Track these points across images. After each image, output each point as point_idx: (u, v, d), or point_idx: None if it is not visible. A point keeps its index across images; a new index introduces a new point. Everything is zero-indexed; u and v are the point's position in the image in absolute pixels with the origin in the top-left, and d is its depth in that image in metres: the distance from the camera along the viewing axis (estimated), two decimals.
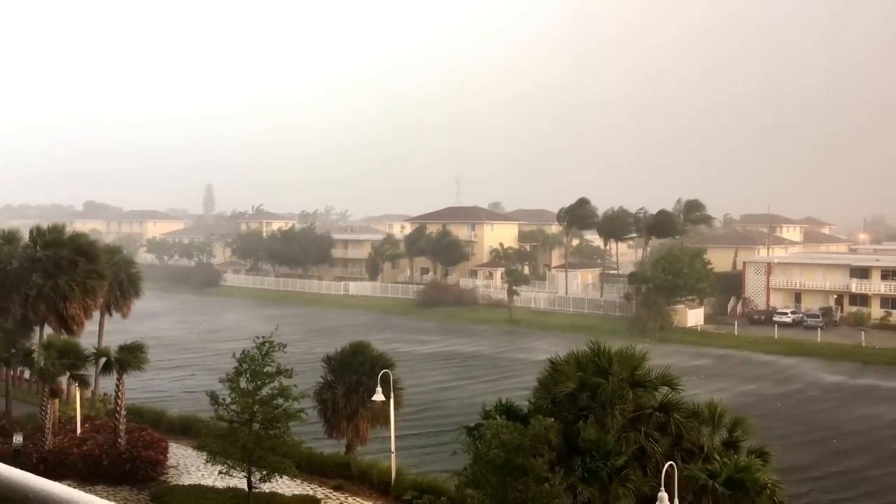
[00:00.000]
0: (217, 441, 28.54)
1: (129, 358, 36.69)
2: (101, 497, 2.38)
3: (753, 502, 21.65)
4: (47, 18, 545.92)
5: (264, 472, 28.20)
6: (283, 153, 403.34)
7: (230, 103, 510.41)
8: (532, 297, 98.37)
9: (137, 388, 48.16)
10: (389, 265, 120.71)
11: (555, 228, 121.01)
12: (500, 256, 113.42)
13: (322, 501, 31.66)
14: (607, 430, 23.06)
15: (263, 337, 28.98)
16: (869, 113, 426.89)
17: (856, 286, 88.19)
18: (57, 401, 39.54)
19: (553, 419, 23.34)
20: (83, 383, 39.56)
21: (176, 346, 72.77)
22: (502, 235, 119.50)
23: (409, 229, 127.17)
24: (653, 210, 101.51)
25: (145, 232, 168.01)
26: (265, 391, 28.35)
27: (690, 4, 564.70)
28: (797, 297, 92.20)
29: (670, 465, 21.25)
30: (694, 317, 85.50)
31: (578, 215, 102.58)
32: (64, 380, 40.80)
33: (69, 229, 48.75)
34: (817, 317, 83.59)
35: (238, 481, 29.77)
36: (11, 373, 47.82)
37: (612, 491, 22.33)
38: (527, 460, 21.21)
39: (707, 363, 68.11)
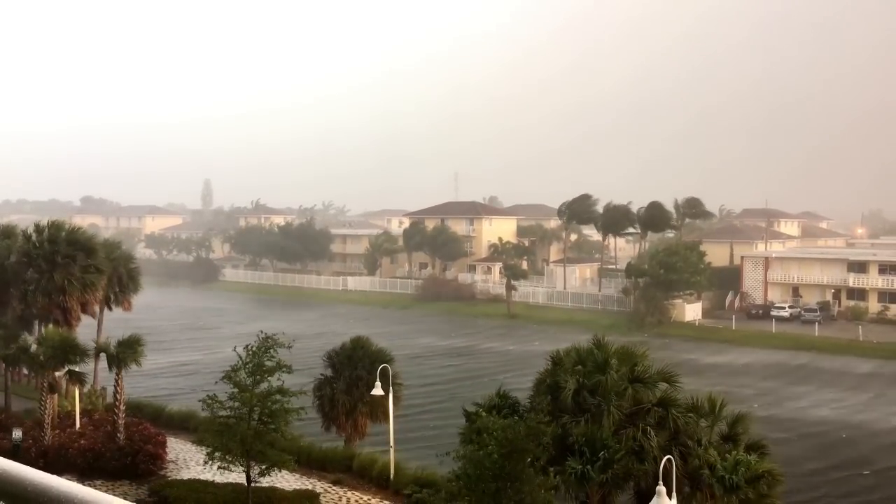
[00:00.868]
0: (216, 437, 28.58)
1: (127, 352, 36.65)
2: (100, 491, 2.37)
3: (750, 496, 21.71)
4: (48, 19, 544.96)
5: (263, 467, 28.27)
6: (282, 151, 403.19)
7: (229, 105, 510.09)
8: (530, 291, 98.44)
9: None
10: (388, 260, 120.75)
11: (553, 223, 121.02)
12: (499, 251, 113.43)
13: (321, 495, 31.71)
14: (605, 427, 23.10)
15: (265, 332, 29.23)
16: (866, 108, 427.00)
17: (853, 280, 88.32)
18: (56, 396, 39.55)
19: (549, 416, 23.39)
20: (80, 378, 39.55)
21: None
22: (501, 230, 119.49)
23: (407, 224, 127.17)
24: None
25: (144, 227, 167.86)
26: (264, 386, 28.43)
27: (688, 4, 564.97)
28: (795, 291, 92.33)
29: (668, 460, 21.28)
30: (692, 311, 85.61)
31: (579, 210, 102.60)
32: (62, 374, 40.80)
33: (68, 224, 48.67)
34: (815, 311, 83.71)
35: (237, 476, 29.84)
36: (10, 368, 47.77)
37: (610, 486, 22.38)
38: (520, 464, 21.15)
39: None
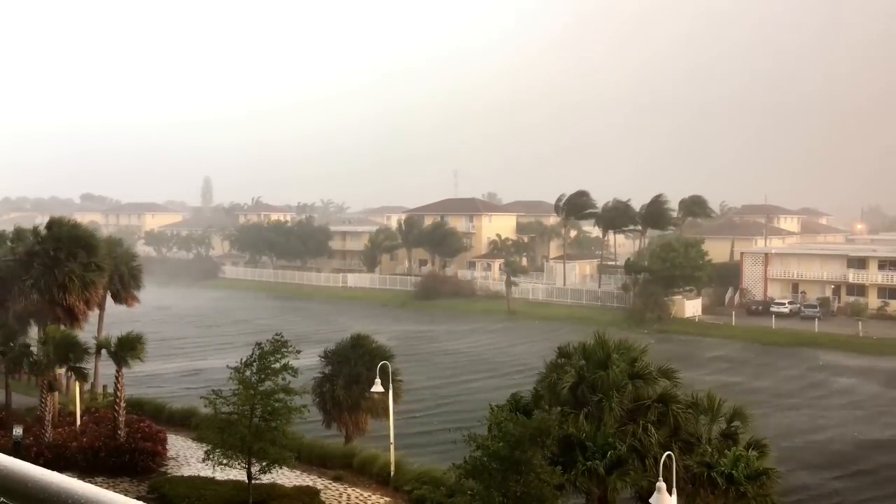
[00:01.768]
0: (216, 434, 28.65)
1: (127, 350, 36.65)
2: (101, 488, 2.38)
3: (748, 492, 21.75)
4: (48, 17, 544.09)
5: (264, 464, 28.35)
6: (283, 150, 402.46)
7: (230, 103, 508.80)
8: (530, 288, 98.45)
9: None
10: (388, 257, 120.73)
11: (553, 220, 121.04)
12: (499, 248, 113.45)
13: (322, 492, 31.75)
14: (605, 423, 23.13)
15: (280, 334, 29.56)
16: (865, 103, 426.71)
17: (853, 276, 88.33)
18: (56, 393, 39.59)
19: (558, 409, 23.47)
20: (80, 375, 39.57)
21: None
22: (500, 227, 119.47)
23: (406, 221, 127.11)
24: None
25: (143, 224, 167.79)
26: (267, 384, 28.56)
27: (688, 4, 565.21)
28: (794, 287, 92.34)
29: (668, 456, 21.31)
30: (692, 307, 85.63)
31: (576, 205, 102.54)
32: (63, 372, 40.83)
33: (69, 221, 48.61)
34: (815, 307, 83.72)
35: (238, 472, 29.90)
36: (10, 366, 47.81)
37: (611, 483, 22.42)
38: (527, 454, 21.26)
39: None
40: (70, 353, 37.22)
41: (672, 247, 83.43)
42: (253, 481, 29.03)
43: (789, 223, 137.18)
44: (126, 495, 2.02)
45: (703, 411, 24.68)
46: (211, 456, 28.43)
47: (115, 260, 49.26)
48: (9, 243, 47.64)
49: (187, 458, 36.55)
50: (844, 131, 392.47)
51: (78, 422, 39.23)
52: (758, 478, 22.26)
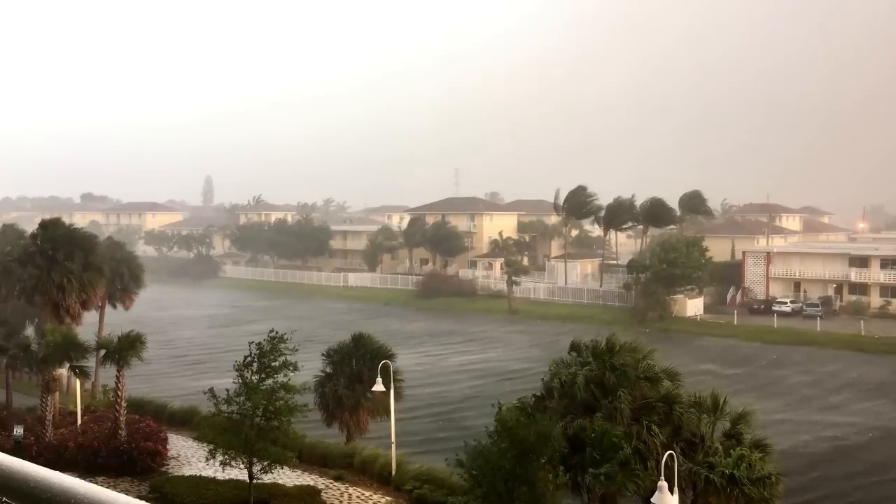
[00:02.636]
0: (219, 434, 28.62)
1: (128, 349, 36.61)
2: (102, 487, 2.37)
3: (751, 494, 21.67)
4: (49, 17, 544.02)
5: (265, 463, 28.33)
6: (284, 149, 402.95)
7: (231, 103, 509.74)
8: (531, 287, 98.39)
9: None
10: (389, 256, 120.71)
11: (554, 219, 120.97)
12: (500, 247, 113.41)
13: (323, 492, 31.72)
14: (615, 423, 23.07)
15: (277, 331, 29.50)
16: (868, 103, 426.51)
17: (855, 275, 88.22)
18: (57, 393, 39.57)
19: (560, 413, 23.40)
20: (83, 374, 39.56)
21: None
22: (501, 226, 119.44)
23: (407, 220, 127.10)
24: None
25: (144, 224, 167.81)
26: (268, 383, 28.54)
27: (686, 4, 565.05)
28: (796, 286, 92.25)
29: (670, 456, 21.26)
30: (693, 306, 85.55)
31: (576, 203, 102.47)
32: (64, 371, 40.81)
33: (68, 221, 48.64)
34: (817, 306, 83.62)
35: (239, 472, 29.86)
36: (11, 365, 47.79)
37: (617, 484, 22.37)
38: (532, 465, 21.16)
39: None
40: (71, 351, 37.21)
41: (673, 245, 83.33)
42: (254, 481, 29.01)
43: (791, 222, 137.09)
44: (127, 495, 1.97)
45: (706, 411, 24.62)
46: (214, 455, 28.42)
47: (116, 262, 49.33)
48: (19, 237, 47.56)
49: (188, 457, 36.51)
50: (847, 130, 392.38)
51: (79, 421, 39.23)
52: (761, 479, 22.18)
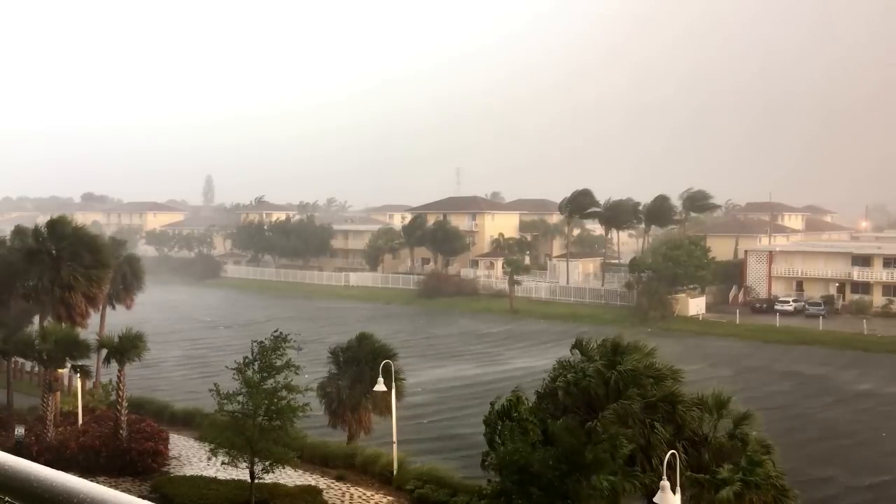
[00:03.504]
0: (221, 434, 28.62)
1: (129, 348, 36.59)
2: (103, 486, 2.37)
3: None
4: (50, 18, 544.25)
5: (267, 463, 28.31)
6: (285, 150, 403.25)
7: (234, 106, 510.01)
8: (533, 286, 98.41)
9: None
10: (390, 256, 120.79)
11: (555, 218, 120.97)
12: (501, 246, 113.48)
13: (324, 491, 31.69)
14: (624, 425, 23.00)
15: (279, 331, 29.54)
16: (871, 101, 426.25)
17: (857, 274, 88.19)
18: (58, 393, 39.57)
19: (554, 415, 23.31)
20: (85, 374, 39.59)
21: None
22: (503, 225, 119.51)
23: (409, 220, 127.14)
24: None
25: (145, 224, 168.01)
26: (270, 383, 28.54)
27: (685, 5, 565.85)
28: (799, 285, 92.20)
29: (672, 455, 21.18)
30: (695, 305, 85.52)
31: (580, 204, 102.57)
32: (65, 371, 40.81)
33: (72, 221, 48.62)
34: (819, 305, 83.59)
35: (240, 472, 29.83)
36: (12, 365, 47.83)
37: (620, 484, 22.31)
38: (578, 483, 20.93)
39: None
40: (72, 350, 37.22)
41: (675, 244, 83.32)
42: (255, 481, 28.98)
43: (794, 221, 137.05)
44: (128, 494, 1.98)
45: (709, 410, 24.56)
46: (216, 453, 28.42)
47: (118, 261, 49.40)
48: (7, 242, 47.66)
49: (189, 457, 36.49)
50: (849, 129, 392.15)
51: (80, 421, 39.22)
52: (765, 478, 22.12)
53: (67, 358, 37.60)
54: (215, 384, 29.62)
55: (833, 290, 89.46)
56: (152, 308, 79.21)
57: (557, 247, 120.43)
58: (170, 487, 31.34)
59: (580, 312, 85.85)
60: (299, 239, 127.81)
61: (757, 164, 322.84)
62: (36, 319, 46.49)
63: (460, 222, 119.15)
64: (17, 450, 34.04)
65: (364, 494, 31.96)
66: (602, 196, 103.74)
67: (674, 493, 20.37)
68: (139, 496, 29.07)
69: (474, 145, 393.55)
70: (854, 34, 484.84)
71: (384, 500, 31.40)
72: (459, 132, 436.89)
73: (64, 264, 42.72)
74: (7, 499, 2.01)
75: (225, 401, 28.53)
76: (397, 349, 38.01)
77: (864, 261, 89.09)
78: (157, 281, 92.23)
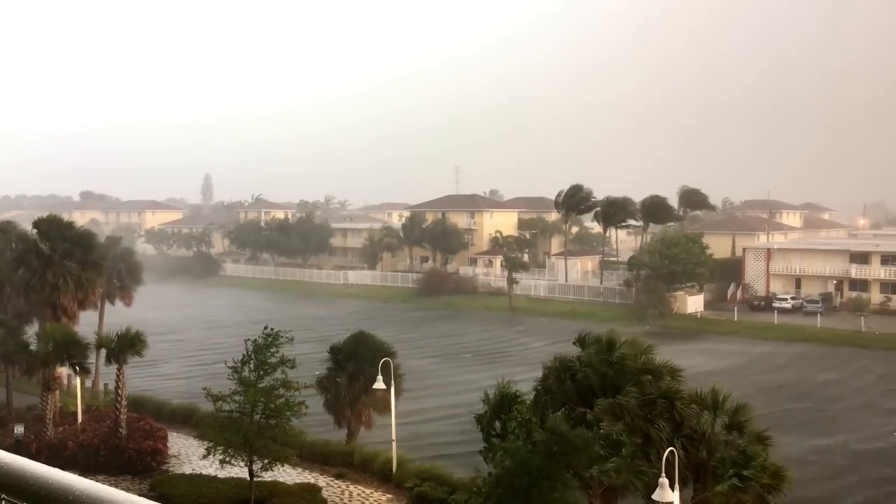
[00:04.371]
0: (218, 432, 28.62)
1: (128, 346, 36.58)
2: (101, 484, 2.39)
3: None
4: (49, 17, 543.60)
5: (266, 461, 28.31)
6: (284, 148, 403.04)
7: (234, 105, 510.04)
8: (532, 284, 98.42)
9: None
10: (389, 254, 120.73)
11: (554, 216, 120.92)
12: (500, 244, 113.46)
13: (323, 489, 31.71)
14: (617, 420, 23.04)
15: (272, 328, 29.46)
16: (869, 99, 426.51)
17: (855, 272, 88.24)
18: (57, 392, 39.56)
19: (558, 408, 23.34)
20: (84, 372, 39.55)
21: None
22: (501, 223, 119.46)
23: (407, 218, 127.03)
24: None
25: (144, 222, 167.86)
26: (267, 381, 28.51)
27: (690, 7, 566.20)
28: (797, 282, 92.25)
29: (671, 452, 21.23)
30: (694, 303, 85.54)
31: (574, 201, 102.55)
32: (64, 370, 40.81)
33: (67, 219, 48.52)
34: (817, 302, 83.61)
35: (239, 470, 29.84)
36: (10, 365, 47.78)
37: (623, 479, 22.37)
38: (562, 466, 21.06)
39: None
40: (70, 350, 37.18)
41: (673, 242, 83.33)
42: (255, 479, 28.99)
43: (792, 218, 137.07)
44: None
45: (707, 407, 24.60)
46: (213, 452, 28.41)
47: (114, 259, 49.31)
48: (15, 235, 47.44)
49: (188, 455, 36.50)
50: (848, 127, 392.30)
51: (79, 420, 39.23)
52: (760, 469, 22.19)
53: (65, 358, 37.55)
54: (204, 388, 29.63)
55: (831, 288, 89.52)
56: (150, 306, 79.10)
57: (556, 245, 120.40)
58: (169, 486, 31.34)
59: (579, 310, 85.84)
60: (298, 237, 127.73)
61: (758, 162, 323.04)
62: (34, 318, 46.50)
63: (459, 220, 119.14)
64: (17, 448, 34.06)
65: (363, 492, 31.99)
66: (605, 195, 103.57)
67: (672, 489, 20.44)
68: (138, 495, 29.24)
69: (477, 145, 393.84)
70: (860, 35, 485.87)
71: (383, 498, 31.44)
72: (462, 132, 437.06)
73: (54, 264, 42.43)
74: (5, 497, 2.02)
75: (220, 401, 28.51)
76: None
77: (861, 258, 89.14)
78: (155, 280, 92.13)
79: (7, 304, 46.10)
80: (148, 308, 71.82)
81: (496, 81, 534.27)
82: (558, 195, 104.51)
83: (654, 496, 20.13)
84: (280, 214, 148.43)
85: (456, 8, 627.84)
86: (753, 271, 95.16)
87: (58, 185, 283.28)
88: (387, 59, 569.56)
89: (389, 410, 34.30)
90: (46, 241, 43.30)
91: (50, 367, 37.38)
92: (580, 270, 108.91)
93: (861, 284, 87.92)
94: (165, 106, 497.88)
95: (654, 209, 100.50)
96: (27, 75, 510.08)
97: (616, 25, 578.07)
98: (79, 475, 2.05)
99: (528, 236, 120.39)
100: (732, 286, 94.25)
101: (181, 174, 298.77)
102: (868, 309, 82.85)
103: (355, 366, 35.57)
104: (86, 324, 46.29)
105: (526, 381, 30.32)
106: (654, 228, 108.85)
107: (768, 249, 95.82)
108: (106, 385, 46.56)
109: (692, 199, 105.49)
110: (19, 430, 36.39)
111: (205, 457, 30.35)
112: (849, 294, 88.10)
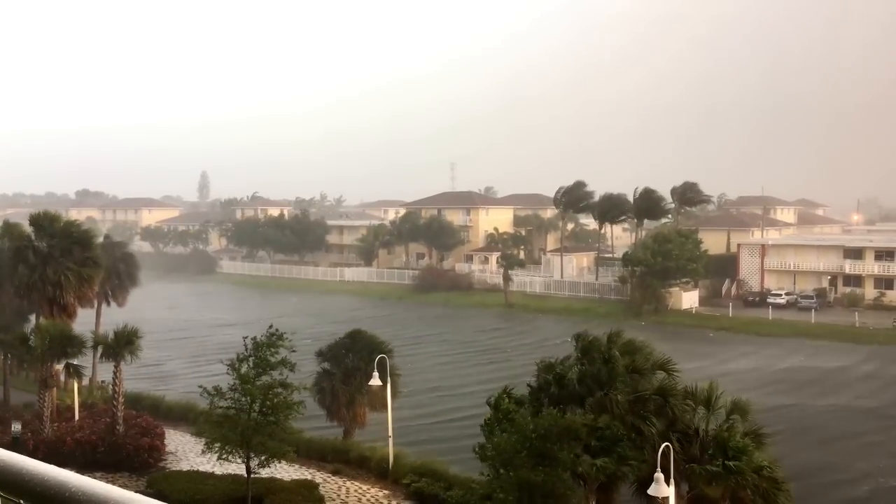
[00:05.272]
0: (215, 428, 28.68)
1: (124, 344, 36.59)
2: (98, 481, 2.43)
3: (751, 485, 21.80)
4: (50, 18, 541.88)
5: (263, 458, 28.39)
6: (282, 147, 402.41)
7: (233, 105, 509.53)
8: (527, 281, 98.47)
9: None
10: (385, 251, 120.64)
11: (550, 213, 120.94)
12: (496, 241, 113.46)
13: (320, 486, 31.81)
14: (609, 415, 23.20)
15: (275, 328, 29.55)
16: (863, 97, 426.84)
17: (849, 267, 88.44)
18: (54, 389, 39.60)
19: (554, 405, 23.50)
20: (77, 372, 39.58)
21: None
22: (497, 220, 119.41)
23: (403, 214, 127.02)
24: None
25: (141, 220, 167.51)
26: (265, 379, 28.56)
27: (691, 9, 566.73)
28: (792, 278, 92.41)
29: (666, 447, 21.38)
30: (689, 299, 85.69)
31: (575, 197, 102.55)
32: (61, 367, 40.81)
33: (64, 217, 48.47)
34: (811, 298, 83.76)
35: (236, 467, 29.92)
36: (9, 361, 47.79)
37: (618, 474, 22.53)
38: (556, 447, 21.32)
39: None
40: (67, 347, 37.17)
41: (668, 238, 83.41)
42: (252, 475, 29.07)
43: (786, 214, 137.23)
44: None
45: (701, 403, 24.74)
46: (210, 448, 28.47)
47: (112, 259, 49.29)
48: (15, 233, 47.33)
49: (186, 452, 36.57)
50: (843, 123, 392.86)
51: (76, 417, 39.27)
52: (755, 469, 22.34)
53: (62, 355, 37.56)
54: (200, 385, 29.67)
55: (825, 283, 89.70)
56: (148, 304, 79.01)
57: (552, 241, 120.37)
58: (166, 483, 31.40)
59: (574, 307, 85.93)
60: (294, 234, 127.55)
61: (755, 160, 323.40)
62: (32, 316, 46.47)
63: (455, 217, 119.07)
64: (14, 446, 34.13)
65: (360, 488, 32.10)
66: (603, 192, 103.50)
67: (668, 484, 20.59)
68: (135, 492, 29.30)
69: (478, 146, 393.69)
70: (858, 35, 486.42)
71: (380, 494, 31.56)
72: (462, 132, 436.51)
73: (54, 261, 42.39)
74: (3, 494, 2.05)
75: (216, 397, 28.56)
76: None
77: (855, 254, 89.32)
78: (153, 278, 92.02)
79: (6, 302, 46.05)
80: (144, 305, 71.75)
81: (497, 83, 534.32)
82: (558, 191, 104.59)
83: (650, 491, 20.29)
84: (276, 211, 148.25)
85: (456, 8, 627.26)
86: (748, 267, 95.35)
87: (55, 183, 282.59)
88: (387, 60, 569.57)
89: (385, 407, 34.39)
90: (44, 238, 43.22)
91: (46, 363, 37.38)
92: (576, 267, 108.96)
93: (855, 280, 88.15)
94: (165, 106, 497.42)
95: (648, 205, 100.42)
96: (27, 75, 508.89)
97: (617, 26, 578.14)
98: (76, 472, 2.09)
99: (523, 233, 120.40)
100: (727, 282, 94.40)
101: (178, 173, 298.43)
102: (862, 304, 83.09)
103: (350, 363, 35.65)
104: (82, 322, 46.20)
105: (521, 377, 30.50)
106: (650, 225, 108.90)
107: (763, 245, 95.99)
108: (103, 381, 46.57)
109: (686, 194, 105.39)
110: (17, 427, 36.44)
111: (203, 453, 30.41)
112: (843, 289, 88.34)
